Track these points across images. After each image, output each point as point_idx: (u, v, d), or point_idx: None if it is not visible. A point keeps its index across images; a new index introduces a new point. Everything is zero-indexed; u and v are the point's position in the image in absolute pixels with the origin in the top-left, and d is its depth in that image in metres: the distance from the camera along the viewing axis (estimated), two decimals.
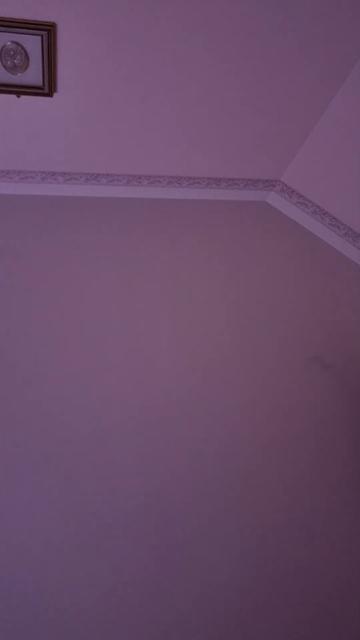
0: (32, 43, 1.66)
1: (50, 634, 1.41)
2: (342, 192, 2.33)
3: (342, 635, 1.55)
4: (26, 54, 1.69)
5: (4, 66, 1.71)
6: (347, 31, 1.77)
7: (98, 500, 1.62)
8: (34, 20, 1.60)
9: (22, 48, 1.67)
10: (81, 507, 1.60)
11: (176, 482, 1.69)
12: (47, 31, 1.63)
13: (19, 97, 1.84)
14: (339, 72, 1.94)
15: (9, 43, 1.65)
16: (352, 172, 2.23)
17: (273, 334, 2.13)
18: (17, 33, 1.62)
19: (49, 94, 1.84)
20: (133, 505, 1.63)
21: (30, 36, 1.64)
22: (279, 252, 2.41)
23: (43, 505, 1.58)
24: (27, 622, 1.42)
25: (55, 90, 1.85)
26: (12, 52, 1.68)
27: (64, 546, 1.54)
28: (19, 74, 1.75)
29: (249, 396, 1.94)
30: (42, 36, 1.64)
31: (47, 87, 1.81)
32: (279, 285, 2.29)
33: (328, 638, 1.55)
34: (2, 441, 1.67)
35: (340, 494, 1.80)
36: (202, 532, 1.63)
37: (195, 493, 1.69)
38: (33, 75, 1.77)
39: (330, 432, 1.93)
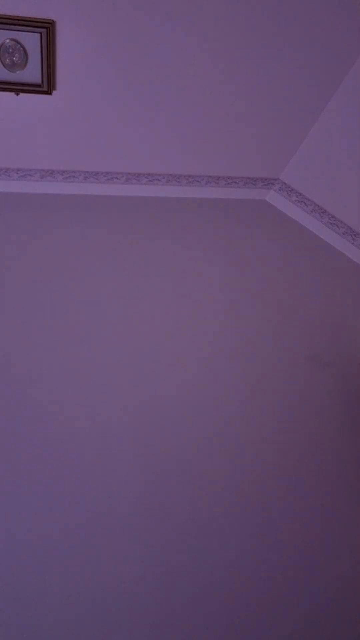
0: (31, 40, 1.65)
1: (49, 627, 1.42)
2: (341, 191, 2.33)
3: (342, 633, 1.56)
4: (25, 51, 1.69)
5: (3, 64, 1.71)
6: (345, 31, 1.77)
7: (97, 494, 1.62)
8: (32, 18, 1.59)
9: (21, 45, 1.67)
10: (80, 501, 1.60)
11: (174, 480, 1.70)
12: (46, 28, 1.62)
13: (17, 94, 1.83)
14: (337, 71, 1.94)
15: (7, 40, 1.65)
16: (351, 171, 2.23)
17: (272, 332, 2.13)
18: (16, 30, 1.61)
19: (48, 92, 1.83)
20: (131, 501, 1.63)
21: (29, 33, 1.63)
22: (278, 250, 2.41)
23: (42, 498, 1.58)
24: (26, 616, 1.42)
25: (54, 88, 1.84)
26: (10, 50, 1.67)
27: (62, 540, 1.54)
28: (17, 72, 1.75)
29: (247, 394, 1.94)
30: (41, 33, 1.63)
31: (46, 85, 1.80)
32: (277, 284, 2.29)
33: (328, 636, 1.56)
34: (1, 436, 1.67)
35: (339, 492, 1.81)
36: (200, 529, 1.63)
37: (193, 491, 1.69)
38: (32, 72, 1.76)
39: (329, 430, 1.93)
